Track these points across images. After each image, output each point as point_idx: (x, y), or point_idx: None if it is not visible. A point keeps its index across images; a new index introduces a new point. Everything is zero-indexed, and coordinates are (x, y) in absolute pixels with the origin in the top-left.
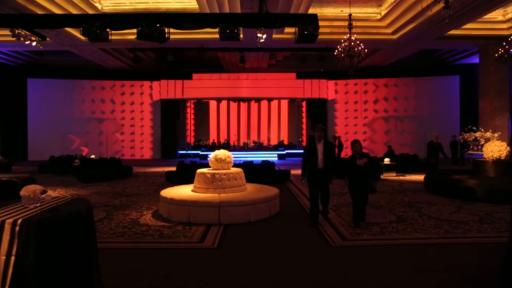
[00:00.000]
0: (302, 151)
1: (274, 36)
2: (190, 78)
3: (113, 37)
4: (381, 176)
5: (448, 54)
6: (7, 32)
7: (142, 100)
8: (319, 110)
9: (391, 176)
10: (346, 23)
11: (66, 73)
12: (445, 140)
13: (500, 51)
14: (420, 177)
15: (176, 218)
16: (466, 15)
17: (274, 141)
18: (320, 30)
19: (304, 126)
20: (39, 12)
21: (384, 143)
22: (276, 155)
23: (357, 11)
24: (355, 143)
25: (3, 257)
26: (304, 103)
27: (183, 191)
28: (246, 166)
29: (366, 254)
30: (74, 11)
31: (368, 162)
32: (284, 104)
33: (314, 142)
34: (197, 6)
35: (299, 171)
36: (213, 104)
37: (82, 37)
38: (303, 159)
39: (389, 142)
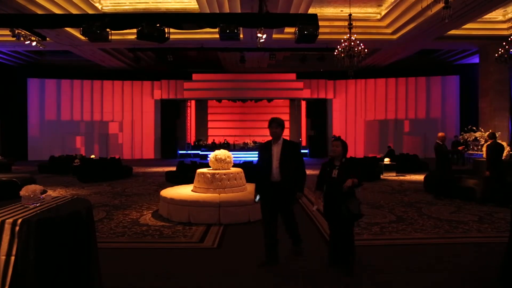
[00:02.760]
0: (302, 150)
1: (274, 36)
2: (190, 78)
3: (113, 37)
4: (381, 176)
5: (448, 54)
6: (7, 32)
7: (142, 100)
8: (319, 110)
9: (391, 176)
10: (346, 23)
11: (66, 73)
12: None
13: (500, 51)
14: (420, 177)
15: (176, 218)
16: (466, 15)
17: None
18: (320, 30)
19: (304, 126)
20: (39, 12)
21: (384, 143)
22: None
23: (357, 11)
24: (336, 142)
25: (3, 257)
26: (304, 103)
27: (183, 191)
28: (246, 166)
29: (366, 254)
30: (74, 11)
31: (354, 185)
32: (284, 104)
33: (270, 144)
34: (197, 6)
35: None
36: (213, 104)
37: (82, 37)
38: (255, 168)
39: (388, 142)
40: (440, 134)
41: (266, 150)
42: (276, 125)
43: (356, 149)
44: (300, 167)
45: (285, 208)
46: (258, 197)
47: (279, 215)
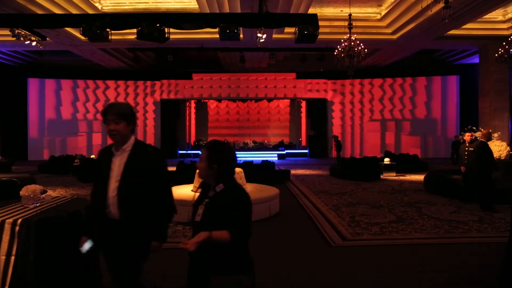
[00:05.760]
0: (302, 150)
1: (274, 36)
2: (190, 78)
3: (113, 37)
4: (381, 176)
5: (448, 54)
6: (7, 32)
7: (142, 100)
8: (319, 110)
9: (391, 176)
10: (346, 23)
11: (66, 73)
12: (447, 141)
13: (500, 51)
14: (420, 177)
15: (176, 218)
16: (466, 15)
17: (274, 141)
18: (320, 30)
19: (304, 126)
20: (39, 12)
21: (384, 143)
22: (276, 155)
23: (357, 11)
24: (203, 151)
25: (3, 257)
26: (304, 103)
27: (183, 191)
28: (246, 166)
29: (366, 254)
30: (74, 11)
31: (214, 250)
32: (284, 104)
33: (109, 153)
34: (197, 6)
35: (299, 171)
36: (213, 104)
37: (82, 37)
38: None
39: (388, 142)
40: (484, 131)
41: (103, 163)
42: (115, 117)
43: (356, 149)
44: (162, 193)
45: (121, 273)
46: (87, 244)
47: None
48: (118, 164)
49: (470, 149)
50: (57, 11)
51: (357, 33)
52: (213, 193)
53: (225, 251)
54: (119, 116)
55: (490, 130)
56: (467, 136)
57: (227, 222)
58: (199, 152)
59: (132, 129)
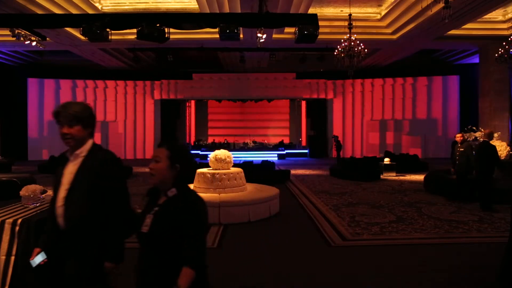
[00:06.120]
0: (302, 150)
1: (274, 36)
2: (190, 78)
3: (113, 37)
4: (381, 176)
5: (448, 54)
6: (7, 32)
7: (142, 100)
8: (319, 110)
9: (391, 176)
10: (346, 23)
11: (66, 73)
12: (447, 141)
13: (500, 51)
14: (420, 177)
15: None
16: (466, 15)
17: (274, 141)
18: (320, 30)
19: (304, 126)
20: (39, 12)
21: (384, 143)
22: (276, 155)
23: (357, 11)
24: (159, 150)
25: (3, 257)
26: (304, 103)
27: None
28: (246, 166)
29: (366, 254)
30: (74, 11)
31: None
32: (284, 104)
33: (64, 159)
34: (197, 6)
35: (299, 171)
36: (213, 104)
37: (82, 37)
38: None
39: (388, 142)
40: (485, 130)
41: (58, 169)
42: (69, 119)
43: (356, 149)
44: (115, 205)
45: None
46: (39, 257)
47: None
48: (70, 171)
49: (460, 149)
50: (57, 11)
51: (357, 33)
52: (164, 199)
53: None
54: (73, 119)
55: (491, 130)
56: (458, 137)
57: (181, 238)
58: (199, 152)
59: (90, 132)
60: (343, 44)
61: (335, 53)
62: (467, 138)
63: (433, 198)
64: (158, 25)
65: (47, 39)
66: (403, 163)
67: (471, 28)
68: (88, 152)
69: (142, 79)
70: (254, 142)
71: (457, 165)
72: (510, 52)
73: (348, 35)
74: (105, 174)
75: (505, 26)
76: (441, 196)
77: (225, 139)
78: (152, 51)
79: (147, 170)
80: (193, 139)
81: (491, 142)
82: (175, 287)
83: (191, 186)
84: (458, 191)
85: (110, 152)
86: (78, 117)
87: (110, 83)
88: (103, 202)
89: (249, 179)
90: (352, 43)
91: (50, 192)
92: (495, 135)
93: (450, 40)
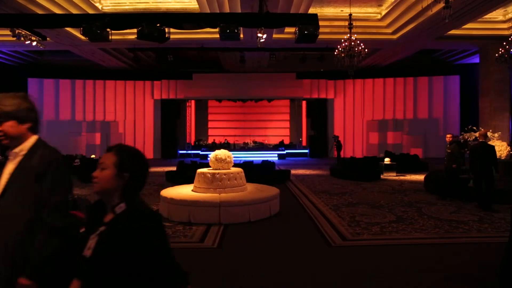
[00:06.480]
0: (302, 150)
1: (274, 36)
2: (190, 78)
3: (113, 37)
4: (381, 176)
5: (448, 54)
6: (7, 32)
7: (142, 100)
8: (319, 110)
9: (391, 176)
10: (346, 23)
11: (66, 73)
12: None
13: (500, 51)
14: (420, 177)
15: (176, 218)
16: (466, 15)
17: (274, 141)
18: (320, 30)
19: (304, 126)
20: (39, 12)
21: (384, 143)
22: (276, 155)
23: (357, 11)
24: (107, 154)
25: None
26: (304, 103)
27: (183, 191)
28: (246, 166)
29: (366, 254)
30: (74, 11)
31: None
32: (284, 104)
33: (5, 157)
34: (197, 6)
35: (299, 171)
36: (213, 104)
37: (82, 37)
38: None
39: (389, 142)
40: (481, 131)
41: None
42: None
43: (357, 149)
44: (49, 210)
45: None
46: None
47: None
48: (7, 171)
49: (448, 150)
50: (57, 11)
51: (357, 33)
52: (111, 216)
53: None
54: (3, 114)
55: (486, 131)
56: (447, 137)
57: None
58: (199, 152)
59: (30, 127)
60: (343, 44)
61: (335, 53)
62: (467, 138)
63: (433, 198)
64: (158, 25)
65: (47, 39)
66: (403, 163)
67: (471, 28)
68: (28, 150)
69: (142, 79)
70: (254, 142)
71: (445, 165)
72: (510, 52)
73: (348, 35)
74: (44, 176)
75: (505, 26)
76: (441, 196)
77: (225, 139)
78: (152, 51)
79: None
80: (193, 139)
81: (489, 142)
82: None
83: (191, 186)
84: (448, 190)
85: (54, 150)
86: (8, 112)
87: (110, 83)
88: (39, 205)
89: (249, 179)
90: (352, 43)
91: None
92: (495, 135)
93: (450, 40)
